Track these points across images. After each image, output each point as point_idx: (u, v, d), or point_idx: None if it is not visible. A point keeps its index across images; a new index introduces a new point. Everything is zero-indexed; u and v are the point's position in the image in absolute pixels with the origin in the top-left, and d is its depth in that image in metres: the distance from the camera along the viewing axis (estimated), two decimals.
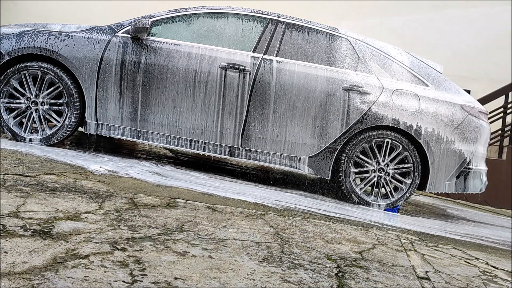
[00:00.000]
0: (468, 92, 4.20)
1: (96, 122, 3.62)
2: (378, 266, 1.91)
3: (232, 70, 3.59)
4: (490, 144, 5.06)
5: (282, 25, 3.78)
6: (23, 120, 3.59)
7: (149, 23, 3.57)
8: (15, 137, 3.54)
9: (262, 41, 3.71)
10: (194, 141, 3.63)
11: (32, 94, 3.53)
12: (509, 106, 6.93)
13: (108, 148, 4.18)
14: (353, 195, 3.70)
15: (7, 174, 2.38)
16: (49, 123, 3.62)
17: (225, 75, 3.58)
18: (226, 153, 3.65)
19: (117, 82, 3.57)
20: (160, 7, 4.18)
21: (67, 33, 3.60)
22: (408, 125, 3.63)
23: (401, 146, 3.65)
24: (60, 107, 3.56)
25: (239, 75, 3.59)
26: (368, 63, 3.77)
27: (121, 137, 3.66)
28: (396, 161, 3.68)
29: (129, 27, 3.62)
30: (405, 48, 4.07)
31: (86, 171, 2.89)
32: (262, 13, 3.81)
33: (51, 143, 3.58)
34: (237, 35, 3.73)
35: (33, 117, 3.54)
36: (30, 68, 3.51)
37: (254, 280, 1.48)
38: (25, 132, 3.55)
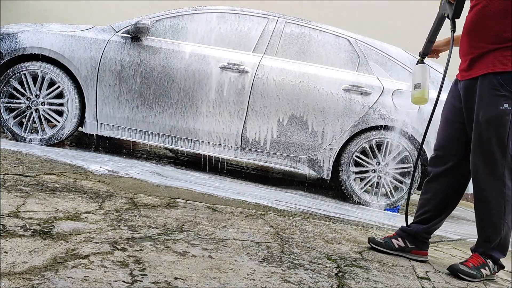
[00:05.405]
0: None
1: (96, 122, 3.62)
2: (378, 266, 1.91)
3: (232, 70, 3.59)
4: None
5: (282, 25, 3.78)
6: (23, 120, 3.59)
7: (149, 23, 3.57)
8: (15, 137, 3.54)
9: (262, 41, 3.71)
10: (194, 141, 3.63)
11: (32, 94, 3.54)
12: None
13: (108, 148, 4.17)
14: (353, 195, 3.70)
15: (7, 174, 2.38)
16: (49, 123, 3.62)
17: (225, 75, 3.58)
18: (227, 153, 3.65)
19: (117, 82, 3.57)
20: (160, 7, 4.18)
21: (67, 33, 3.60)
22: (408, 125, 3.63)
23: (401, 146, 3.65)
24: (60, 107, 3.57)
25: (239, 75, 3.59)
26: (368, 63, 3.77)
27: (121, 137, 3.66)
28: (396, 161, 3.68)
29: (129, 27, 3.62)
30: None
31: (86, 171, 2.89)
32: (262, 13, 3.82)
33: (51, 143, 3.58)
34: (237, 35, 3.73)
35: (33, 117, 3.55)
36: (30, 68, 3.51)
37: (254, 280, 1.48)
38: (25, 132, 3.55)
